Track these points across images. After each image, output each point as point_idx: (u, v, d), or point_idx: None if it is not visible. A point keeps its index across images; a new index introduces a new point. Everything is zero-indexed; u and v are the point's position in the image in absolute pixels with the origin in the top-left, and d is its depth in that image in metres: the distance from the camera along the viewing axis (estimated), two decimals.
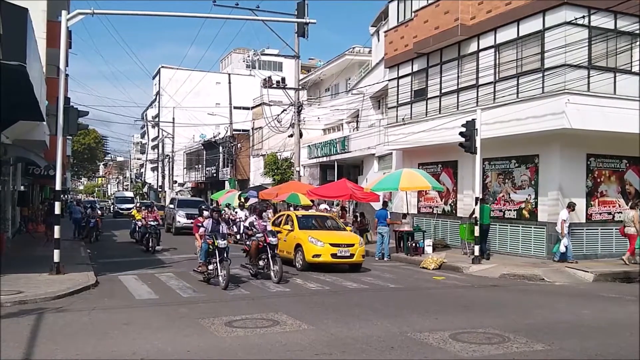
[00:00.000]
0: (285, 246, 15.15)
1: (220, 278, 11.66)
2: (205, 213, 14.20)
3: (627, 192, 17.70)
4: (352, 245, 14.84)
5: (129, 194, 64.56)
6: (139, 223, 21.24)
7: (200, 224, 12.69)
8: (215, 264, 11.87)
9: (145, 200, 52.97)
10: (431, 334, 7.77)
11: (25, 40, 9.46)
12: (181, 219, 27.87)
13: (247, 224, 13.12)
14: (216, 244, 11.81)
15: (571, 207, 15.90)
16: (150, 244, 19.24)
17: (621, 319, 9.23)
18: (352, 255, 14.65)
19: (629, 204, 17.33)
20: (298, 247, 14.90)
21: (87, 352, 6.81)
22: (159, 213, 36.93)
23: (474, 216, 16.31)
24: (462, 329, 8.10)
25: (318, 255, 14.43)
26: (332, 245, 14.55)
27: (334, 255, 14.48)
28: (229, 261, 11.76)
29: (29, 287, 10.85)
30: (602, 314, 9.70)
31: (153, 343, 7.22)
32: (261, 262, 12.71)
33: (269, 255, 12.60)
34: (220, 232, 12.16)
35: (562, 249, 15.58)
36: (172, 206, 30.86)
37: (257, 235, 12.99)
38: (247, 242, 13.21)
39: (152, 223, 19.42)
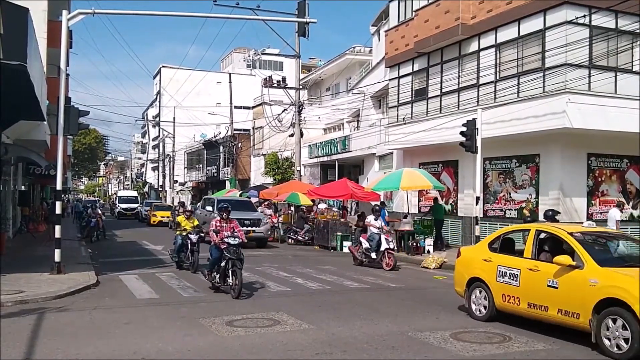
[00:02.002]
0: (561, 301, 7.57)
1: None
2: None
3: (628, 191, 17.70)
4: None
5: (133, 192, 60.76)
6: (193, 237, 14.20)
7: None
8: None
9: (154, 201, 49.51)
10: (432, 333, 7.77)
11: (26, 40, 9.48)
12: None
13: None
14: None
15: (621, 206, 16.03)
16: (230, 279, 10.66)
17: None
18: None
19: (631, 204, 17.38)
20: (617, 311, 6.81)
21: (88, 352, 6.82)
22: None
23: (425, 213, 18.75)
24: (463, 329, 8.10)
25: None
26: None
27: None
28: None
29: (29, 287, 10.85)
30: None
31: (154, 342, 7.23)
32: None
33: None
34: None
35: None
36: (209, 209, 21.65)
37: None
38: None
39: (232, 242, 10.81)
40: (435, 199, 20.16)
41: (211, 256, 11.27)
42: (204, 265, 12.19)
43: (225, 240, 10.88)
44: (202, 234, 14.50)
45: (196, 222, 14.99)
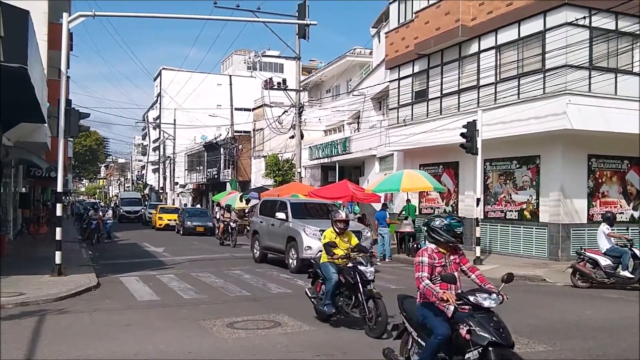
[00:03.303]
0: None
1: None
2: None
3: (628, 192, 17.70)
4: None
5: (136, 194, 58.11)
6: (367, 270, 7.96)
7: None
8: None
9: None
10: None
11: (27, 42, 9.49)
12: (312, 241, 13.99)
13: None
14: None
15: None
16: None
17: (622, 319, 9.22)
18: None
19: (631, 205, 17.38)
20: None
21: (89, 354, 6.82)
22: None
23: (403, 213, 18.95)
24: None
25: None
26: None
27: None
28: None
29: (30, 289, 10.86)
30: (604, 315, 9.69)
31: (155, 344, 7.23)
32: None
33: None
34: None
35: None
36: (281, 216, 15.39)
37: None
38: None
39: (486, 303, 5.22)
40: (408, 200, 19.84)
41: (434, 331, 5.17)
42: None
43: (472, 299, 5.24)
44: (376, 262, 8.82)
45: (355, 240, 8.86)
